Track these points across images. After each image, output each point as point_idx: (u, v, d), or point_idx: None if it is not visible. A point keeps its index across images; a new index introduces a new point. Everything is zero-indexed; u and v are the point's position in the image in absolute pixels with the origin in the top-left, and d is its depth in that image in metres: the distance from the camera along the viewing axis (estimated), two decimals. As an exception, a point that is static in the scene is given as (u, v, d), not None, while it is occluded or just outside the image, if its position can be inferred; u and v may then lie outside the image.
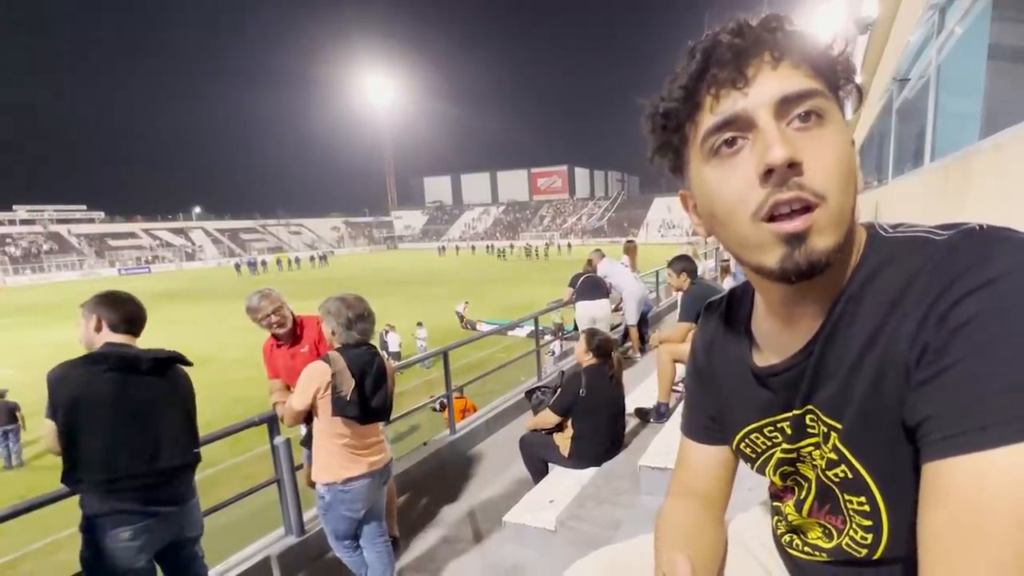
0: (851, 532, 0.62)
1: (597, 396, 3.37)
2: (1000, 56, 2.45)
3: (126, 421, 1.98)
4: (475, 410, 6.30)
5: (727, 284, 6.96)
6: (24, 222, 62.52)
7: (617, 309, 7.53)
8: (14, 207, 63.21)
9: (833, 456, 0.60)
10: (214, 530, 2.36)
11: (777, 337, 0.66)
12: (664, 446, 2.91)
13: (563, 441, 3.41)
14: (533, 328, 6.91)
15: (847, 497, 0.61)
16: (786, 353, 0.64)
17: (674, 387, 4.13)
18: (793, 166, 0.50)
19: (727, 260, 7.65)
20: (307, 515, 3.25)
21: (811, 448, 0.65)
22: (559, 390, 3.58)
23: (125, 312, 2.09)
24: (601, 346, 3.54)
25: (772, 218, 0.52)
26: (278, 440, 3.10)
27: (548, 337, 11.25)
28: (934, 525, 0.45)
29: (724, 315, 0.77)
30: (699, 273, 4.68)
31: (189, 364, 2.22)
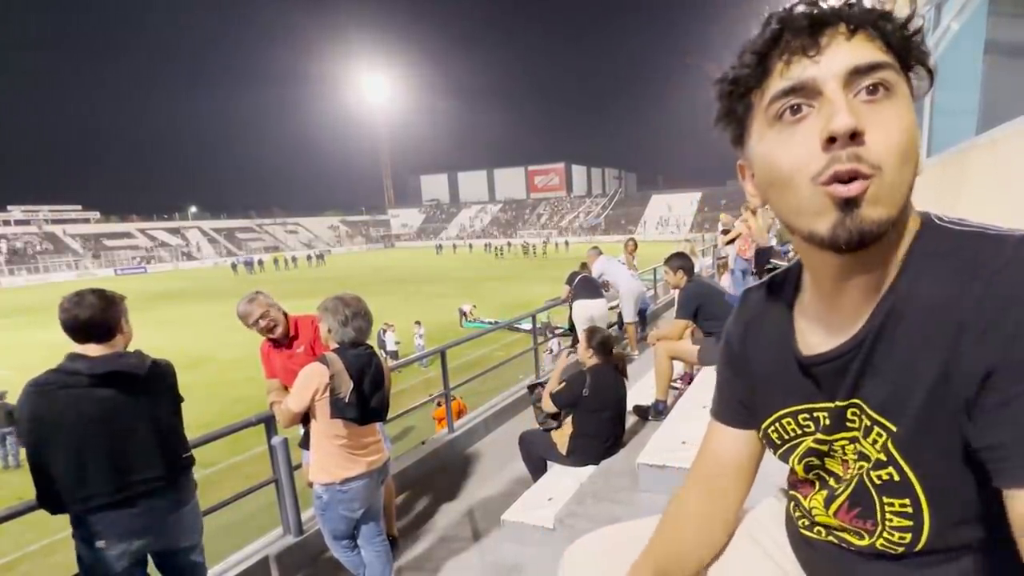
0: (886, 534, 0.61)
1: (601, 396, 3.37)
2: (996, 52, 2.45)
3: (87, 439, 1.88)
4: (464, 411, 6.30)
5: (725, 281, 6.97)
6: (19, 222, 62.31)
7: (614, 307, 7.54)
8: (9, 207, 62.99)
9: (882, 457, 0.59)
10: (212, 530, 2.35)
11: (824, 322, 0.65)
12: (662, 444, 2.91)
13: (561, 439, 3.41)
14: (531, 326, 6.91)
15: (886, 500, 0.60)
16: (833, 340, 0.63)
17: (672, 384, 4.14)
18: (855, 136, 0.51)
19: (724, 257, 7.65)
20: (305, 515, 3.24)
21: (844, 443, 0.64)
22: (563, 384, 3.58)
23: (63, 321, 1.94)
24: (603, 344, 3.53)
25: (829, 183, 0.52)
26: (276, 440, 3.09)
27: (553, 336, 11.27)
28: None
29: (764, 299, 0.76)
30: (696, 271, 4.68)
31: (138, 376, 1.99)
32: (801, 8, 0.54)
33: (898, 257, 0.57)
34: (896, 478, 0.58)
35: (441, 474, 4.21)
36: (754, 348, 0.76)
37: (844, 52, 0.53)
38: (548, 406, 3.55)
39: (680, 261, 4.32)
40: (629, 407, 3.91)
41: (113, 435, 1.93)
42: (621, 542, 0.89)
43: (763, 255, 7.39)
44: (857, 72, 0.52)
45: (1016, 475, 0.46)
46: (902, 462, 0.57)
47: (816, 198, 0.53)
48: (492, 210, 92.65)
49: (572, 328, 6.89)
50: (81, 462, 1.87)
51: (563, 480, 3.23)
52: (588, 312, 6.27)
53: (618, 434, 3.50)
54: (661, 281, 10.47)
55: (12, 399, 10.39)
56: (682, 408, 3.37)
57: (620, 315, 7.25)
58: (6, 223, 61.22)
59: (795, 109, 0.54)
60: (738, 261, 6.67)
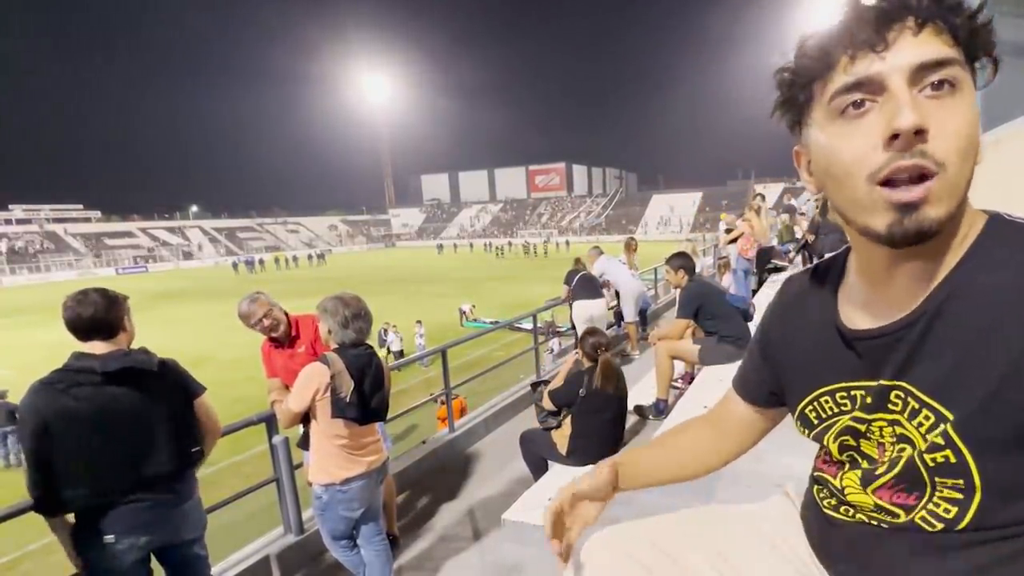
0: (930, 506, 0.61)
1: (600, 397, 3.36)
2: (999, 52, 2.45)
3: (99, 436, 1.88)
4: (466, 410, 6.31)
5: (726, 281, 6.96)
6: (20, 221, 62.36)
7: (615, 306, 7.54)
8: (10, 207, 63.05)
9: (939, 441, 0.58)
10: (212, 529, 2.35)
11: (873, 301, 0.64)
12: (663, 443, 2.91)
13: (561, 439, 3.41)
14: (532, 325, 6.91)
15: (939, 480, 0.59)
16: (883, 319, 0.62)
17: (672, 384, 4.14)
18: (920, 133, 0.51)
19: (725, 257, 7.65)
20: (306, 514, 3.24)
21: (883, 424, 0.64)
22: (565, 381, 3.58)
23: (67, 319, 1.95)
24: (593, 348, 3.48)
25: (888, 182, 0.53)
26: (276, 439, 3.09)
27: (553, 336, 11.25)
28: None
29: (807, 284, 0.76)
30: (697, 270, 4.68)
31: (154, 366, 2.03)
32: (870, 3, 0.54)
33: (957, 248, 0.57)
34: (952, 460, 0.57)
35: (441, 473, 4.21)
36: (793, 330, 0.76)
37: (911, 47, 0.52)
38: (548, 404, 3.55)
39: (681, 261, 4.32)
40: (630, 407, 3.91)
41: (125, 431, 1.95)
42: (633, 539, 0.88)
43: (764, 255, 7.40)
44: (923, 69, 0.52)
45: None
46: (962, 446, 0.56)
47: (872, 196, 0.54)
48: (493, 210, 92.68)
49: (575, 327, 6.89)
50: (94, 459, 1.88)
51: (564, 480, 3.20)
52: (588, 312, 6.27)
53: (618, 434, 3.50)
54: (662, 281, 10.47)
55: (12, 398, 10.40)
56: (683, 407, 3.37)
57: (621, 314, 7.25)
58: (7, 222, 61.29)
59: (858, 104, 0.54)
60: (739, 261, 6.66)
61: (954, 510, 0.59)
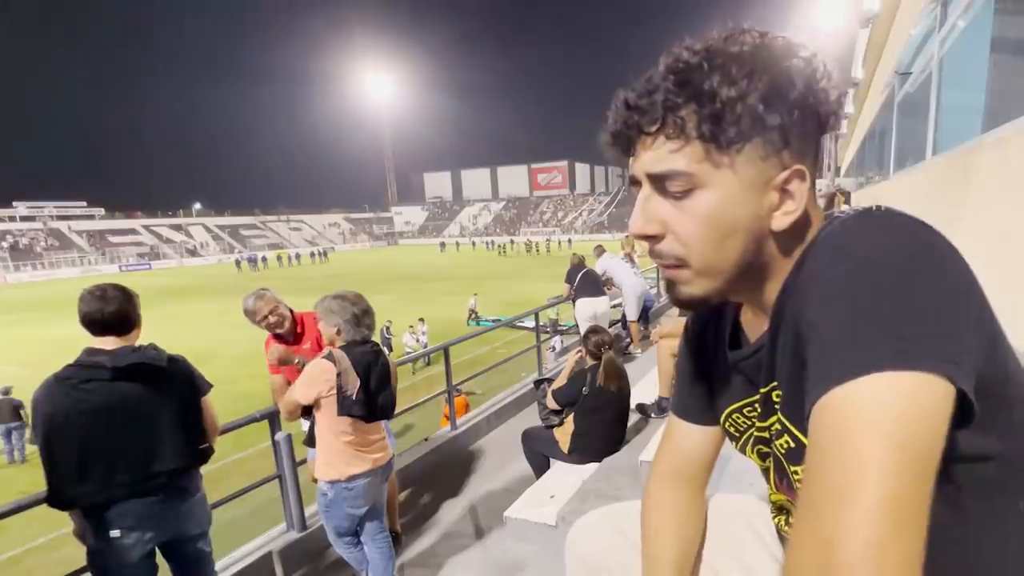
0: None
1: (602, 396, 3.36)
2: (1003, 50, 2.44)
3: (111, 431, 1.90)
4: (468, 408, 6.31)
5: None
6: (24, 219, 62.56)
7: (617, 305, 7.53)
8: (14, 204, 63.26)
9: (778, 426, 0.63)
10: (215, 526, 2.36)
11: (754, 324, 0.70)
12: (665, 441, 2.91)
13: (563, 437, 3.41)
14: (534, 323, 6.91)
15: (792, 468, 0.63)
16: (755, 337, 0.68)
17: (675, 382, 4.12)
18: (649, 237, 0.59)
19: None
20: (309, 510, 3.25)
21: (776, 424, 0.67)
22: (568, 380, 3.58)
23: (86, 314, 1.96)
24: (597, 347, 3.50)
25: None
26: (279, 436, 3.10)
27: (556, 334, 11.25)
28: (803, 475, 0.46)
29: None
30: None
31: (164, 362, 2.05)
32: (626, 102, 0.57)
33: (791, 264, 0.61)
34: (792, 444, 0.61)
35: (444, 471, 4.22)
36: (711, 345, 0.80)
37: (646, 158, 0.57)
38: (552, 403, 3.56)
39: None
40: (632, 405, 3.91)
41: (136, 426, 1.97)
42: (624, 518, 0.93)
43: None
44: (653, 179, 0.57)
45: (808, 397, 0.47)
46: (790, 425, 0.60)
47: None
48: (495, 208, 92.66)
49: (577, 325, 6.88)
50: (105, 453, 1.90)
51: (566, 477, 3.23)
52: (590, 310, 6.26)
53: (620, 433, 3.50)
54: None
55: (17, 394, 10.44)
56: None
57: (623, 313, 7.24)
58: (12, 219, 61.48)
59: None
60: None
61: None
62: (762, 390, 0.67)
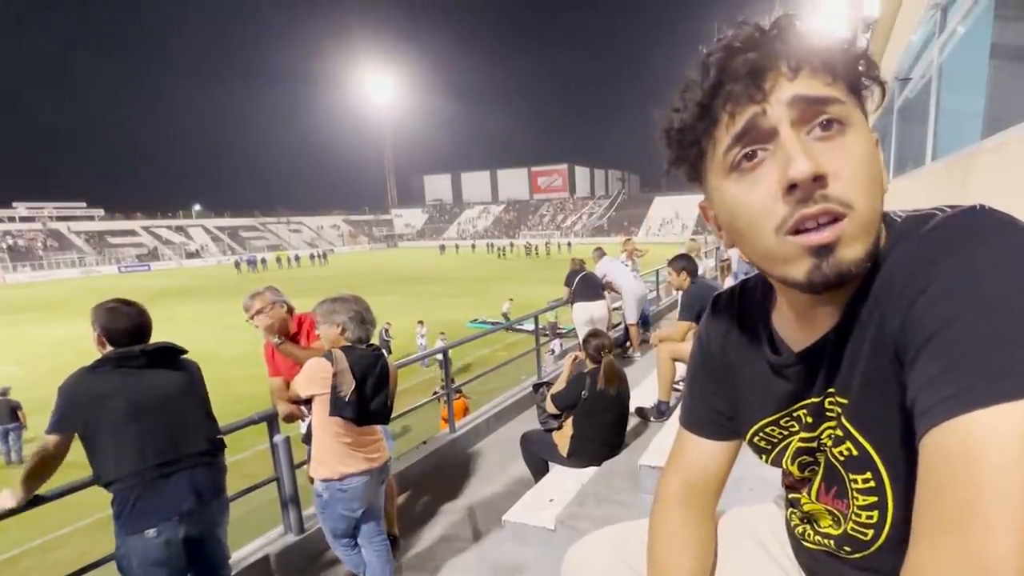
0: (854, 515, 0.62)
1: (601, 400, 3.36)
2: (1002, 55, 2.44)
3: (143, 415, 2.02)
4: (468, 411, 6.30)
5: (728, 283, 6.96)
6: (24, 219, 62.47)
7: (617, 308, 7.53)
8: (14, 204, 63.19)
9: (839, 433, 0.60)
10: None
11: (797, 329, 0.64)
12: (664, 445, 2.91)
13: (562, 440, 3.41)
14: (534, 326, 6.90)
15: (851, 476, 0.60)
16: (806, 343, 0.63)
17: (674, 385, 4.13)
18: (818, 179, 0.49)
19: (727, 259, 7.64)
20: (306, 513, 3.24)
21: (829, 430, 0.64)
22: (567, 383, 3.57)
23: (125, 327, 2.10)
24: (597, 350, 3.50)
25: (798, 231, 0.50)
26: (278, 438, 3.09)
27: (555, 337, 11.24)
28: (919, 502, 0.42)
29: (739, 308, 0.75)
30: (699, 272, 4.67)
31: (184, 352, 2.27)
32: (738, 49, 0.52)
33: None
34: (855, 451, 0.58)
35: (442, 474, 4.21)
36: (735, 355, 0.74)
37: (790, 93, 0.50)
38: (551, 407, 3.55)
39: (684, 262, 4.31)
40: (631, 409, 3.91)
41: (167, 409, 2.10)
42: (624, 542, 0.89)
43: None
44: (807, 111, 0.50)
45: (925, 417, 0.43)
46: (855, 433, 0.57)
47: (784, 247, 0.52)
48: (495, 211, 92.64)
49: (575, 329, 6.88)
50: (139, 436, 2.00)
51: (565, 481, 3.22)
52: (588, 314, 6.26)
53: (619, 437, 3.49)
54: (664, 283, 10.46)
55: (16, 395, 10.43)
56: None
57: (623, 316, 7.24)
58: (11, 220, 61.42)
59: (750, 156, 0.52)
60: (740, 263, 6.66)
61: (875, 514, 0.59)
62: (813, 399, 0.63)
